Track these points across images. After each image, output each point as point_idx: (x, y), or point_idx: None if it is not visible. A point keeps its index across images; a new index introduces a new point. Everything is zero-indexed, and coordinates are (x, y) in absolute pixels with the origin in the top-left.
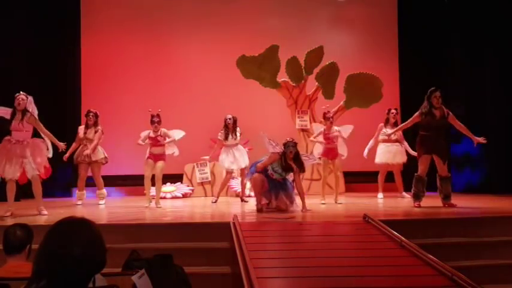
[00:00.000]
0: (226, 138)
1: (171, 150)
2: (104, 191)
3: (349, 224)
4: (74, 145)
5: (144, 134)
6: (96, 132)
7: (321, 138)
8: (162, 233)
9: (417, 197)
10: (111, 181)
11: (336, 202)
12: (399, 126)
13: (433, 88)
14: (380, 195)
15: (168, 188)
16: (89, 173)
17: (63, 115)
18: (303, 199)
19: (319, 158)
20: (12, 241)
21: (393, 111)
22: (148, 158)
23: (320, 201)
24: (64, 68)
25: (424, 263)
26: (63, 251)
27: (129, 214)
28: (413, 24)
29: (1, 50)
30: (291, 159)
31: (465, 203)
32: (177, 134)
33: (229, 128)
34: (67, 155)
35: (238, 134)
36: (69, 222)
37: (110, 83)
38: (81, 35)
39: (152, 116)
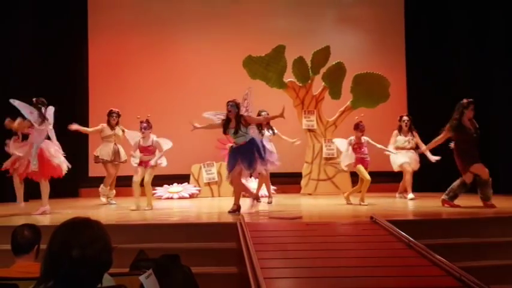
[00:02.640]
0: (260, 132)
1: (159, 161)
2: (114, 191)
3: (357, 225)
4: (87, 130)
5: (134, 139)
6: (123, 131)
7: (350, 149)
8: (170, 233)
9: (454, 198)
10: (119, 181)
11: (361, 204)
12: (432, 142)
13: (470, 100)
14: (410, 195)
15: (175, 188)
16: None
17: (71, 114)
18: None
19: (346, 167)
20: (20, 241)
21: (405, 118)
22: (139, 164)
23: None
24: (72, 67)
25: (432, 264)
26: (63, 252)
27: (137, 214)
28: (420, 23)
29: (8, 51)
30: (233, 118)
31: (473, 203)
32: (165, 145)
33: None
34: (75, 126)
35: (272, 131)
36: (72, 223)
37: (117, 83)
38: (88, 35)
39: (141, 122)
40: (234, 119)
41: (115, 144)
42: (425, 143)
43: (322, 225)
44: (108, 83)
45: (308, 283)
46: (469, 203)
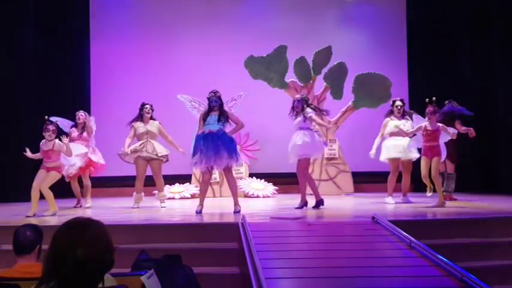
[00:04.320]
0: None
1: (66, 162)
2: (165, 193)
3: (358, 225)
4: (128, 141)
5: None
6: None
7: (419, 133)
8: (171, 233)
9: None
10: (122, 182)
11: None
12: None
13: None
14: (389, 199)
15: (177, 188)
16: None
17: (73, 115)
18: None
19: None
20: (22, 241)
21: (399, 103)
22: (42, 168)
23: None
24: (73, 69)
25: (434, 264)
26: (66, 252)
27: (138, 214)
28: (422, 23)
29: (10, 52)
30: (215, 109)
31: (475, 203)
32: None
33: (297, 110)
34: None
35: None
36: (74, 223)
37: (118, 84)
38: (90, 36)
39: (51, 123)
40: (217, 110)
41: (148, 140)
42: None
43: (324, 226)
44: (110, 84)
45: (310, 283)
46: (470, 203)
